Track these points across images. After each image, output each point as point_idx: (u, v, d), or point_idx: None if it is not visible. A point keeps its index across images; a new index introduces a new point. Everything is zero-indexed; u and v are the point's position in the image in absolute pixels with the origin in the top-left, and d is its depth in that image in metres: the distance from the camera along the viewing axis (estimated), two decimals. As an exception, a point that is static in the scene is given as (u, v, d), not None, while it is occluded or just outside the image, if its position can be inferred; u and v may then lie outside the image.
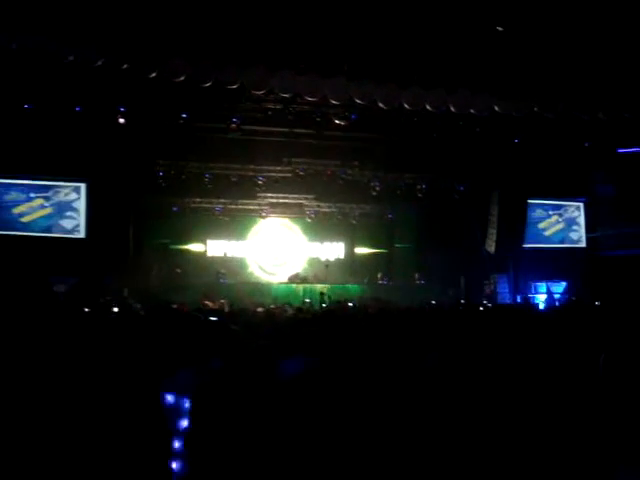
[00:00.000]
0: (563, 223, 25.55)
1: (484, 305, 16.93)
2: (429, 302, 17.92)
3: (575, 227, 25.66)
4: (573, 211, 25.76)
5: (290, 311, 13.72)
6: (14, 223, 19.94)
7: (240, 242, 24.73)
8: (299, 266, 25.19)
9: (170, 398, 4.20)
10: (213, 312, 11.64)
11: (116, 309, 14.68)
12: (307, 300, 17.81)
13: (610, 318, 9.54)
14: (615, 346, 4.89)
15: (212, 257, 24.09)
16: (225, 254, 24.27)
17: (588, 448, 3.46)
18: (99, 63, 14.14)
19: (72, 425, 3.63)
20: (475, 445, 3.84)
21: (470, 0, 13.38)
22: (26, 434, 3.87)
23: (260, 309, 14.87)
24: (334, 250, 25.59)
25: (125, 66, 14.31)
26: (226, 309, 16.60)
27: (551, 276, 23.67)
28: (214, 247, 24.43)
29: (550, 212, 25.46)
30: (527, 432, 3.86)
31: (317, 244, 25.52)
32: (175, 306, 14.16)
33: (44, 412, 4.10)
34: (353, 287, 23.07)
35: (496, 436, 3.92)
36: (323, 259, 25.15)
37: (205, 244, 24.19)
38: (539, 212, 25.15)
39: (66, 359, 5.86)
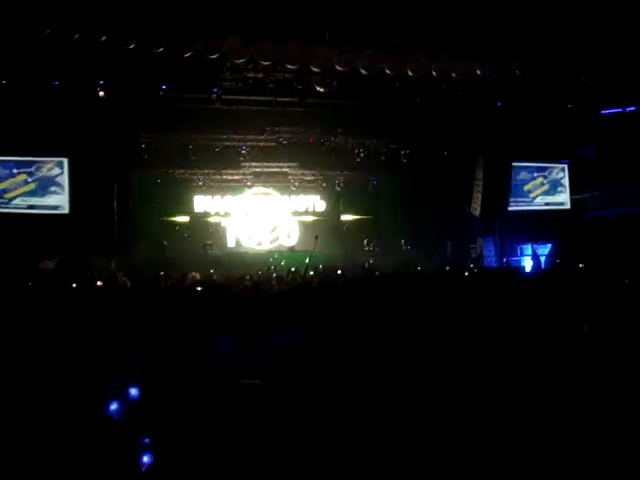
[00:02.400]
0: (548, 185, 25.59)
1: (470, 269, 17.00)
2: (414, 268, 17.99)
3: (560, 189, 25.70)
4: (558, 173, 25.80)
5: (275, 281, 13.74)
6: (-3, 200, 19.89)
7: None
8: (285, 235, 25.21)
9: (134, 391, 4.18)
10: (200, 283, 11.60)
11: (101, 283, 14.68)
12: (292, 269, 17.77)
13: (594, 282, 9.59)
14: (599, 312, 4.92)
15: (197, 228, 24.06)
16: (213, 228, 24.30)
17: (572, 418, 3.48)
18: (76, 36, 13.98)
19: (52, 402, 3.63)
20: (458, 415, 3.85)
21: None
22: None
23: (248, 277, 14.90)
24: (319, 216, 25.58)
25: (103, 38, 14.16)
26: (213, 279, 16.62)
27: (536, 238, 23.70)
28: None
29: (535, 174, 25.50)
30: (511, 404, 3.88)
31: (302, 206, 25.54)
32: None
33: (27, 389, 4.08)
34: (340, 254, 23.09)
35: (480, 404, 3.94)
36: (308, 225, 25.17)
37: (191, 215, 24.15)
38: (524, 174, 25.18)
39: (53, 334, 5.86)
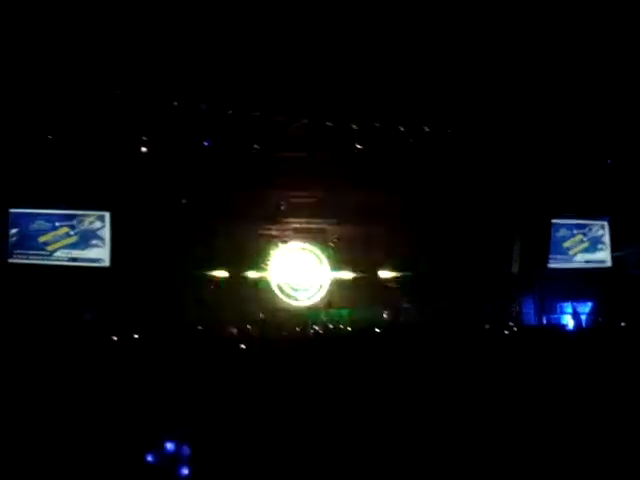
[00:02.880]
0: (588, 242, 25.33)
1: (509, 327, 16.83)
2: (453, 325, 17.85)
3: (600, 246, 25.42)
4: (597, 230, 25.54)
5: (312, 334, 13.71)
6: (40, 252, 20.13)
7: (264, 267, 24.80)
8: (322, 290, 25.17)
9: (170, 445, 4.20)
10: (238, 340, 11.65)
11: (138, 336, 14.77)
12: (330, 326, 17.76)
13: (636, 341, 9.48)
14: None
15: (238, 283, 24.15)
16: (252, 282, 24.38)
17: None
18: (119, 92, 14.29)
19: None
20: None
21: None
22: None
23: (285, 333, 14.89)
24: (358, 274, 25.56)
25: (147, 96, 14.45)
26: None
27: (577, 296, 23.44)
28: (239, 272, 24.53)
29: (574, 231, 25.26)
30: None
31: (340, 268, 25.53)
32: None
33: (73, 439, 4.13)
34: (377, 310, 23.00)
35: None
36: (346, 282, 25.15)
37: (230, 270, 24.26)
38: (563, 232, 24.95)
39: (87, 385, 5.91)
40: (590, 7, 13.04)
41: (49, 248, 20.32)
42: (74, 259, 20.51)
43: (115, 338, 13.95)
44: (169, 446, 4.21)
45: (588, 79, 15.28)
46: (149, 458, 4.19)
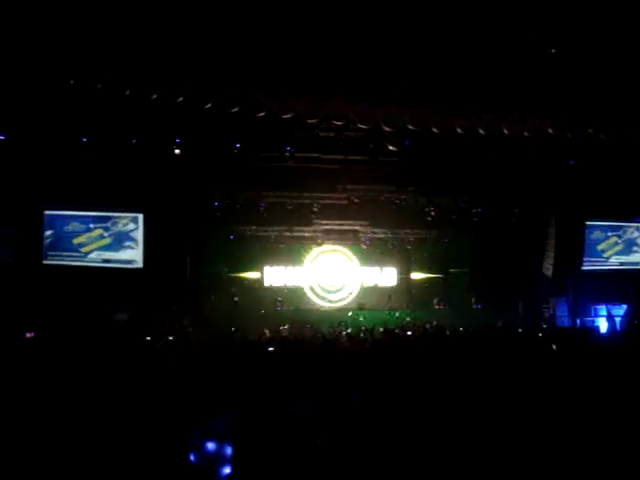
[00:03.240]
0: (622, 244, 25.12)
1: (543, 330, 16.71)
2: (485, 327, 17.76)
3: (635, 248, 25.20)
4: (632, 232, 25.32)
5: (346, 339, 13.69)
6: (74, 254, 20.34)
7: (296, 269, 24.92)
8: (354, 292, 25.25)
9: (211, 445, 4.23)
10: (271, 342, 11.66)
11: (172, 338, 14.85)
12: (364, 328, 17.75)
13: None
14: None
15: (269, 286, 24.34)
16: (285, 284, 24.56)
17: None
18: (154, 96, 14.38)
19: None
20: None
21: (520, 25, 13.32)
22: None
23: (319, 335, 14.91)
24: (389, 276, 25.65)
25: (180, 99, 14.53)
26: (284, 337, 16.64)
27: (611, 299, 23.26)
28: (271, 275, 24.70)
29: (609, 233, 25.05)
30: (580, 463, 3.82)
31: (372, 269, 25.62)
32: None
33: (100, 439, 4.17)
34: (411, 313, 23.02)
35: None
36: (378, 285, 25.26)
37: (262, 272, 24.44)
38: (597, 234, 24.76)
39: (123, 387, 5.96)
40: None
41: (83, 250, 20.53)
42: (108, 260, 20.70)
43: (149, 339, 14.08)
44: (210, 446, 4.25)
45: (621, 76, 15.15)
46: (191, 458, 4.23)
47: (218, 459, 4.11)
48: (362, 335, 15.76)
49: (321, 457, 3.52)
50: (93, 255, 20.64)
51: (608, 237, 24.97)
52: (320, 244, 24.66)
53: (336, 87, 15.13)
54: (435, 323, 20.06)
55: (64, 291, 18.12)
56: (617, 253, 25.00)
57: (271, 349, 8.80)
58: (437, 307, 24.36)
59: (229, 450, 4.09)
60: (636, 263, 25.05)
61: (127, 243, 20.98)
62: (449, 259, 25.80)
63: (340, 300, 25.16)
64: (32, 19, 12.69)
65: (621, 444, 3.94)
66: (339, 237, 24.80)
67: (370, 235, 24.66)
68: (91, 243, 20.70)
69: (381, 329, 16.76)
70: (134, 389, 5.91)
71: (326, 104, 15.31)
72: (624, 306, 23.21)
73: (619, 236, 25.11)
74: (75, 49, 13.46)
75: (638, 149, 18.33)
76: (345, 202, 22.24)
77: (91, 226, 20.69)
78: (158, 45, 13.57)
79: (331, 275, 25.33)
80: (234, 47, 13.73)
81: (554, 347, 9.95)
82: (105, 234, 20.82)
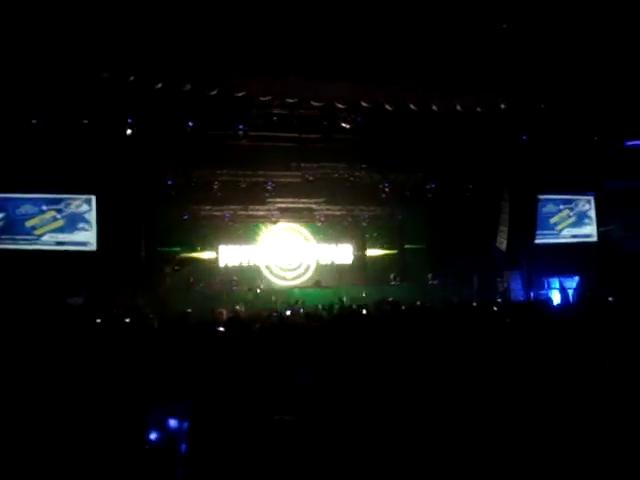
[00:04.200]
0: (574, 217, 25.48)
1: (497, 303, 16.92)
2: (441, 302, 17.92)
3: (586, 221, 25.59)
4: (584, 205, 25.70)
5: (303, 316, 13.72)
6: (27, 237, 20.07)
7: (251, 247, 24.89)
8: (310, 270, 25.30)
9: (173, 422, 4.23)
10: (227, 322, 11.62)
11: (128, 320, 14.76)
12: (320, 306, 17.83)
13: (623, 316, 9.52)
14: (623, 346, 4.90)
15: (225, 266, 24.30)
16: (241, 264, 24.54)
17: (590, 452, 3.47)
18: (105, 75, 14.20)
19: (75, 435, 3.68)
20: (479, 444, 3.86)
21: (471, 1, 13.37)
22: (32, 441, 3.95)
23: (275, 314, 14.92)
24: (345, 253, 25.73)
25: (131, 78, 14.36)
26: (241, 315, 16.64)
27: (564, 271, 23.59)
28: (226, 254, 24.64)
29: (561, 206, 25.40)
30: (529, 433, 3.88)
31: (328, 247, 25.68)
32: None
33: (53, 423, 4.15)
34: (366, 289, 23.11)
35: (499, 435, 3.94)
36: (334, 262, 25.33)
37: (217, 251, 24.37)
38: (550, 207, 25.08)
39: (78, 370, 5.93)
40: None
41: (36, 232, 20.25)
42: (61, 243, 20.45)
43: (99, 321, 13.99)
44: (172, 423, 4.25)
45: (572, 53, 15.30)
46: (151, 436, 4.23)
47: (179, 437, 4.13)
48: (319, 312, 15.81)
49: (276, 434, 3.53)
50: (46, 237, 20.36)
51: (560, 210, 25.32)
52: (275, 222, 24.65)
53: (289, 65, 15.07)
54: (391, 299, 20.16)
55: (17, 275, 17.87)
56: (569, 226, 25.37)
57: (222, 329, 8.77)
58: (393, 283, 24.49)
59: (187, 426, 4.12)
60: (588, 235, 25.45)
61: (80, 225, 20.74)
62: (404, 235, 25.98)
63: (296, 278, 25.21)
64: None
65: (575, 415, 4.01)
66: (294, 215, 24.80)
67: (325, 212, 24.69)
68: (44, 225, 20.42)
69: (337, 306, 16.85)
70: (90, 371, 5.88)
71: (279, 82, 15.24)
72: (576, 278, 23.54)
73: (571, 209, 25.48)
74: (26, 28, 13.22)
75: (589, 122, 18.56)
76: (299, 180, 22.20)
77: (44, 208, 20.40)
78: (108, 23, 13.38)
79: (287, 253, 25.36)
80: (187, 25, 13.59)
81: (507, 320, 10.09)
82: (58, 216, 20.55)
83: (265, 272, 24.98)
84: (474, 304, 16.81)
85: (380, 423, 4.05)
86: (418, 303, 16.62)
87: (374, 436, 3.82)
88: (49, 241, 20.32)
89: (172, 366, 5.27)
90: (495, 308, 14.41)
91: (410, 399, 4.49)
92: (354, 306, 17.21)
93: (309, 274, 25.29)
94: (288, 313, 16.81)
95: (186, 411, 4.04)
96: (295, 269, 25.42)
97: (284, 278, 25.07)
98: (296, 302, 20.16)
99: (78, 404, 4.44)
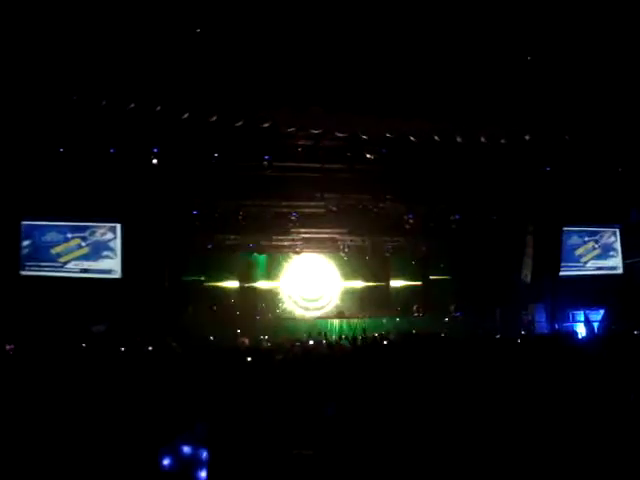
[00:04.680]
0: (599, 249, 25.30)
1: (521, 336, 16.81)
2: (464, 334, 17.88)
3: (612, 253, 25.40)
4: (609, 237, 25.52)
5: (325, 347, 13.69)
6: (52, 264, 20.22)
7: (276, 278, 24.95)
8: (334, 300, 25.26)
9: (187, 449, 4.24)
10: (249, 351, 11.64)
11: (151, 348, 14.82)
12: (343, 336, 17.81)
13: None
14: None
15: (248, 295, 24.33)
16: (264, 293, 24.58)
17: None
18: (132, 105, 14.36)
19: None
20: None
21: (492, 35, 13.42)
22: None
23: (298, 344, 14.92)
24: (368, 283, 25.68)
25: (158, 108, 14.51)
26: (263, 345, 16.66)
27: (589, 304, 23.40)
28: (250, 284, 24.71)
29: (586, 239, 25.24)
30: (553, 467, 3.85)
31: (351, 277, 25.65)
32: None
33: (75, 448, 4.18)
34: (389, 320, 23.05)
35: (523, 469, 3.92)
36: (357, 292, 25.30)
37: (241, 281, 24.44)
38: (575, 239, 24.94)
39: (98, 396, 5.96)
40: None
41: (61, 260, 20.41)
42: (86, 270, 20.58)
43: (124, 349, 14.04)
44: (186, 450, 4.26)
45: (596, 86, 15.30)
46: (165, 462, 4.24)
47: (194, 463, 4.13)
48: (342, 342, 15.78)
49: (297, 467, 3.53)
50: (71, 265, 20.51)
51: (585, 242, 25.16)
52: (299, 252, 24.65)
53: (314, 96, 15.17)
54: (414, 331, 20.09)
55: (43, 302, 17.99)
56: (594, 258, 25.18)
57: (249, 359, 8.79)
58: (417, 314, 24.40)
59: (204, 454, 4.11)
60: (613, 267, 25.24)
61: (105, 253, 20.87)
62: (428, 266, 25.89)
63: (319, 308, 25.16)
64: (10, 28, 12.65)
65: (601, 447, 3.98)
66: (318, 245, 24.79)
67: (349, 243, 24.66)
68: (69, 253, 20.58)
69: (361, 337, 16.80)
70: (112, 398, 5.91)
71: (304, 113, 15.32)
72: (602, 311, 23.35)
73: (596, 241, 25.31)
74: (52, 59, 13.42)
75: (614, 153, 18.50)
76: (323, 210, 22.21)
77: (69, 236, 20.57)
78: (134, 54, 13.55)
79: (310, 283, 25.33)
80: (212, 57, 13.74)
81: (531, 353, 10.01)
82: (83, 244, 20.71)
83: (288, 302, 24.97)
84: (497, 336, 16.73)
85: (403, 457, 4.04)
86: (442, 335, 16.55)
87: (397, 471, 3.82)
88: (74, 268, 20.47)
89: (192, 395, 5.29)
90: (519, 341, 14.34)
91: (431, 432, 4.48)
92: (377, 337, 17.17)
93: (332, 304, 25.23)
94: (311, 343, 16.83)
95: (200, 438, 4.05)
96: (317, 299, 25.38)
97: (307, 308, 25.04)
98: (318, 334, 20.12)
99: (97, 429, 4.48)
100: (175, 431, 4.38)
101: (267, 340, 18.38)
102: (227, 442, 3.81)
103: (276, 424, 4.78)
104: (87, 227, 20.78)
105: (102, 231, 20.90)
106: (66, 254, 20.51)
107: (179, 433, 4.35)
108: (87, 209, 19.61)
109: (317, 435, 4.57)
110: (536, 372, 7.13)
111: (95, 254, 20.80)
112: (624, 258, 25.18)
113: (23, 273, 19.74)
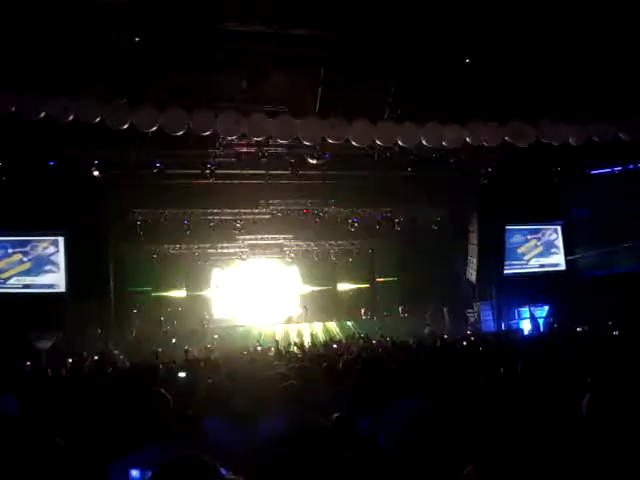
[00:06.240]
0: (542, 247, 25.64)
1: (467, 338, 16.95)
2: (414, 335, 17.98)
3: (554, 250, 25.74)
4: (551, 234, 25.86)
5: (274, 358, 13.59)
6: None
7: (222, 285, 24.82)
8: (282, 306, 25.22)
9: (135, 473, 4.13)
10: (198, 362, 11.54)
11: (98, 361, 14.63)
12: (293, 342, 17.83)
13: (594, 347, 9.57)
14: (601, 382, 4.89)
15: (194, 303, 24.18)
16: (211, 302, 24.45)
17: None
18: (70, 117, 14.13)
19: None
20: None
21: (435, 34, 13.49)
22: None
23: (245, 353, 14.84)
24: (314, 288, 25.70)
25: (97, 119, 14.30)
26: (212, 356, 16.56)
27: (533, 300, 23.72)
28: (196, 293, 24.56)
29: (528, 236, 25.56)
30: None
31: (298, 282, 25.64)
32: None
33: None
34: (339, 324, 23.14)
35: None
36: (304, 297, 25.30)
37: (187, 290, 24.26)
38: (517, 237, 25.24)
39: (40, 416, 5.84)
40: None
41: (3, 275, 20.02)
42: (28, 286, 20.21)
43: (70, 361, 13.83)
44: (134, 474, 4.16)
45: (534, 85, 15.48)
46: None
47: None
48: (292, 350, 15.76)
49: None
50: (13, 281, 20.16)
51: (528, 240, 25.49)
52: (245, 259, 24.58)
53: (254, 101, 15.14)
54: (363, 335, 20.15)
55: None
56: (537, 255, 25.51)
57: (182, 375, 8.69)
58: (364, 317, 24.48)
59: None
60: (555, 264, 25.60)
61: (48, 267, 20.54)
62: (374, 269, 26.00)
63: (267, 315, 25.09)
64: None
65: (546, 447, 3.98)
66: (264, 251, 24.75)
67: (295, 248, 24.66)
68: (11, 269, 20.21)
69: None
70: (54, 417, 5.80)
71: (245, 119, 15.23)
72: (546, 307, 23.68)
73: (538, 239, 25.65)
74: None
75: (552, 153, 18.72)
76: (268, 216, 22.19)
77: (10, 251, 20.23)
78: (74, 63, 13.38)
79: (257, 290, 25.25)
80: (155, 64, 13.66)
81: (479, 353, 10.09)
82: (25, 259, 20.36)
83: (236, 309, 24.87)
84: (445, 337, 16.85)
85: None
86: (388, 339, 16.64)
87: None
88: (16, 284, 20.11)
89: (138, 414, 5.16)
90: (465, 343, 14.42)
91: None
92: (326, 342, 17.20)
93: (280, 310, 25.19)
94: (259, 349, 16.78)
95: (149, 461, 3.94)
96: (265, 306, 25.31)
97: (255, 315, 24.94)
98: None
99: (42, 448, 4.33)
100: (123, 452, 4.26)
101: (214, 349, 18.27)
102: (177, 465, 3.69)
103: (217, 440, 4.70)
104: (29, 241, 20.45)
105: (44, 245, 20.58)
106: (7, 270, 20.12)
107: (127, 454, 4.23)
108: (28, 223, 19.26)
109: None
110: (486, 372, 7.16)
111: (37, 269, 20.45)
112: (566, 254, 25.54)
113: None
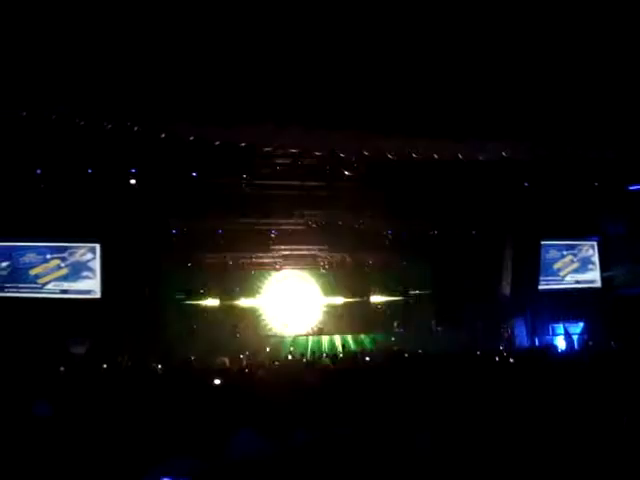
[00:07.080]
0: (577, 263, 25.43)
1: (500, 353, 16.85)
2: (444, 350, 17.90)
3: (590, 266, 25.52)
4: (587, 250, 25.66)
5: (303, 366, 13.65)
6: (31, 285, 20.09)
7: (256, 295, 24.83)
8: (314, 317, 25.17)
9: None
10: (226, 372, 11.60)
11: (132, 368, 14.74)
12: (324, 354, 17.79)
13: (631, 366, 9.48)
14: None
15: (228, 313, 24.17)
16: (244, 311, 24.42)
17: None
18: (109, 126, 14.33)
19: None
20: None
21: (472, 51, 13.49)
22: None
23: (277, 363, 14.87)
24: (348, 299, 25.62)
25: (135, 128, 14.48)
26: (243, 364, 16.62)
27: (568, 317, 23.52)
28: (229, 302, 24.56)
29: (564, 252, 25.37)
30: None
31: (331, 293, 25.58)
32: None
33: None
34: (369, 337, 23.07)
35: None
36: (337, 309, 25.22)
37: (220, 298, 24.30)
38: (553, 253, 25.05)
39: (78, 421, 5.90)
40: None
41: (40, 281, 20.27)
42: (65, 291, 20.45)
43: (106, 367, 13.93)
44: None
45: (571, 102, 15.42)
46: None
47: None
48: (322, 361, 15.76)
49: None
50: (50, 286, 20.37)
51: (564, 256, 25.28)
52: (279, 269, 24.61)
53: (293, 114, 15.22)
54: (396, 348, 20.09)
55: (21, 323, 17.84)
56: (573, 271, 25.30)
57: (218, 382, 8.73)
58: (397, 330, 24.39)
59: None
60: (591, 281, 25.37)
61: (84, 273, 20.75)
62: (408, 282, 25.89)
63: (300, 325, 25.06)
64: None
65: (582, 462, 3.99)
66: (298, 262, 24.76)
67: (329, 259, 24.66)
68: (48, 274, 20.44)
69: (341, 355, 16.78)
70: (91, 422, 5.85)
71: (282, 131, 15.34)
72: (581, 324, 23.46)
73: (574, 255, 25.43)
74: (27, 80, 13.37)
75: (591, 168, 18.63)
76: (303, 227, 22.23)
77: (48, 257, 20.45)
78: (113, 75, 13.54)
79: (290, 300, 25.23)
80: (191, 74, 13.76)
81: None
82: (62, 264, 20.58)
83: (268, 319, 24.88)
84: (477, 352, 16.76)
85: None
86: (420, 351, 16.57)
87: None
88: (53, 289, 20.33)
89: (172, 421, 5.20)
90: (497, 359, 14.35)
91: (416, 452, 4.46)
92: (358, 354, 17.17)
93: (313, 321, 25.15)
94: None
95: (183, 469, 3.97)
96: (298, 316, 25.28)
97: (287, 325, 24.93)
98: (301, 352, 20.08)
99: (76, 454, 4.40)
100: (155, 461, 4.28)
101: (248, 358, 18.32)
102: (210, 473, 3.74)
103: (262, 454, 4.71)
104: (66, 248, 20.67)
105: (81, 251, 20.78)
106: (45, 275, 20.36)
107: (160, 463, 4.25)
108: (66, 229, 19.49)
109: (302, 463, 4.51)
110: (518, 388, 7.14)
111: (74, 274, 20.67)
112: (602, 270, 25.31)
113: (1, 295, 19.55)
